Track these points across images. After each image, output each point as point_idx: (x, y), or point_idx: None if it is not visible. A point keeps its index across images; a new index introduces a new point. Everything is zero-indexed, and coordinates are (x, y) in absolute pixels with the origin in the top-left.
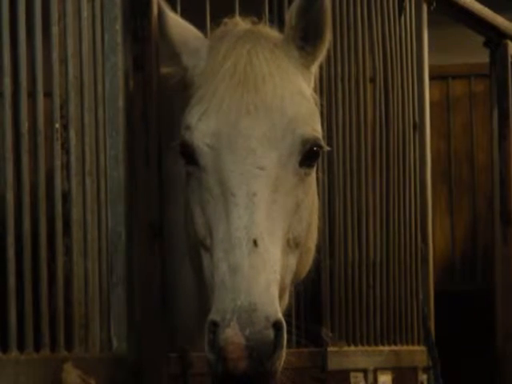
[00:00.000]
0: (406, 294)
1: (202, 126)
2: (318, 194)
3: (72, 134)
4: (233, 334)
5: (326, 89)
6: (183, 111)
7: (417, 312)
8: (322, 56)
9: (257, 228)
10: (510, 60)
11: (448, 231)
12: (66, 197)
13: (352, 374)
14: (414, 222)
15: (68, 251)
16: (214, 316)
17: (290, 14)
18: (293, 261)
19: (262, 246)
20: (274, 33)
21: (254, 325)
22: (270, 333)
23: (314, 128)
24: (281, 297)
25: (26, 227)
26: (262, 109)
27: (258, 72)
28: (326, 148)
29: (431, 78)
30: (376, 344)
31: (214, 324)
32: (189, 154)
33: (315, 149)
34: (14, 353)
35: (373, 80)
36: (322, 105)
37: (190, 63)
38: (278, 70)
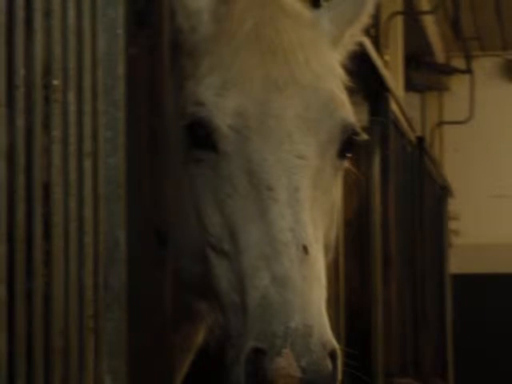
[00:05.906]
0: None
1: (222, 103)
2: None
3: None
4: (286, 365)
5: None
6: (183, 83)
7: None
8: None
9: (305, 231)
10: None
11: None
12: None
13: None
14: None
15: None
16: (255, 342)
17: None
18: None
19: (312, 254)
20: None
21: (312, 353)
22: (328, 363)
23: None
24: None
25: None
26: (292, 85)
27: (286, 41)
28: (365, 137)
29: None
30: None
31: (257, 352)
32: (201, 136)
33: (354, 137)
34: None
35: None
36: None
37: (185, 25)
38: (310, 43)
